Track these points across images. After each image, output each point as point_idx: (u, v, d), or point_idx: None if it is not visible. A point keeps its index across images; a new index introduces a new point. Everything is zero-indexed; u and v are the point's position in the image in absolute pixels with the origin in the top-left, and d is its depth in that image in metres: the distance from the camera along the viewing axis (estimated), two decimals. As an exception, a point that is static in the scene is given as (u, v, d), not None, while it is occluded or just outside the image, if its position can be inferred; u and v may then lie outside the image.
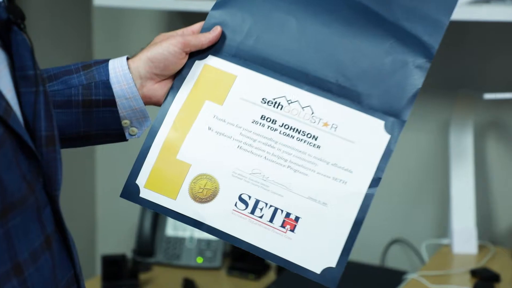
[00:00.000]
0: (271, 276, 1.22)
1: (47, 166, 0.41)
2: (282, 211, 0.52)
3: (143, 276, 1.20)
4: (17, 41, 0.41)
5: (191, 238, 1.27)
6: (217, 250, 1.26)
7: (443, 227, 1.22)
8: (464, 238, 1.11)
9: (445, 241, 1.17)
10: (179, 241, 1.28)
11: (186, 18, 1.39)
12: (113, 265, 1.16)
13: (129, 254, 1.25)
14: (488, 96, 1.03)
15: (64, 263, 0.44)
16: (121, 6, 1.38)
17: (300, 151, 0.54)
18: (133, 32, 1.51)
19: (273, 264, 1.19)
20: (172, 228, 1.30)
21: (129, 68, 0.56)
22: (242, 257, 1.21)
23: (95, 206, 1.58)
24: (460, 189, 1.12)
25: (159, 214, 1.31)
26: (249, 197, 0.53)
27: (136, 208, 1.33)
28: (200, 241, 1.26)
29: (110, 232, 1.54)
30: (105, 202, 1.55)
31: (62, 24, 1.48)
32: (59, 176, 0.43)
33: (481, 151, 1.20)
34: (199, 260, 1.24)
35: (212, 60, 0.58)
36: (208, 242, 1.26)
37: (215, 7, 0.60)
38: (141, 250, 1.26)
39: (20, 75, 0.41)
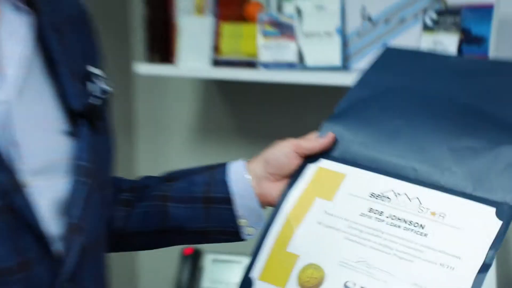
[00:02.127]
0: None
1: (66, 251, 0.46)
2: None
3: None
4: (82, 131, 0.49)
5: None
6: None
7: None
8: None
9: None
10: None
11: (223, 87, 1.58)
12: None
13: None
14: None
15: None
16: (162, 74, 1.58)
17: (406, 240, 0.55)
18: (173, 100, 1.69)
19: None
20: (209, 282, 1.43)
21: (247, 168, 0.63)
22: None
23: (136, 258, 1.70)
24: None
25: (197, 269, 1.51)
26: (354, 284, 0.55)
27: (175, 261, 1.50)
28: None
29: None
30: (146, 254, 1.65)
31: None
32: (72, 264, 0.47)
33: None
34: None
35: (324, 163, 0.63)
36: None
37: (329, 120, 0.67)
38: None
39: (75, 164, 0.48)
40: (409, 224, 0.55)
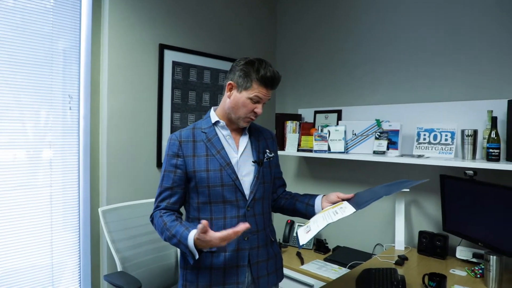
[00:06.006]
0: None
1: (249, 198, 1.48)
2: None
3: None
4: (256, 165, 1.54)
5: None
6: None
7: None
8: None
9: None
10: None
11: (303, 159, 3.00)
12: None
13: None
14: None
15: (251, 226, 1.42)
16: (283, 154, 3.02)
17: (332, 215, 1.29)
18: (287, 162, 3.12)
19: None
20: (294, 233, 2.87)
21: (321, 197, 1.54)
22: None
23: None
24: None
25: (292, 228, 2.83)
26: (308, 226, 1.27)
27: (284, 224, 2.95)
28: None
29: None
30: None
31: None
32: (250, 202, 1.46)
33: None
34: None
35: (343, 201, 1.44)
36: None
37: (356, 193, 1.47)
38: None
39: (254, 174, 1.53)
40: (336, 213, 1.31)
